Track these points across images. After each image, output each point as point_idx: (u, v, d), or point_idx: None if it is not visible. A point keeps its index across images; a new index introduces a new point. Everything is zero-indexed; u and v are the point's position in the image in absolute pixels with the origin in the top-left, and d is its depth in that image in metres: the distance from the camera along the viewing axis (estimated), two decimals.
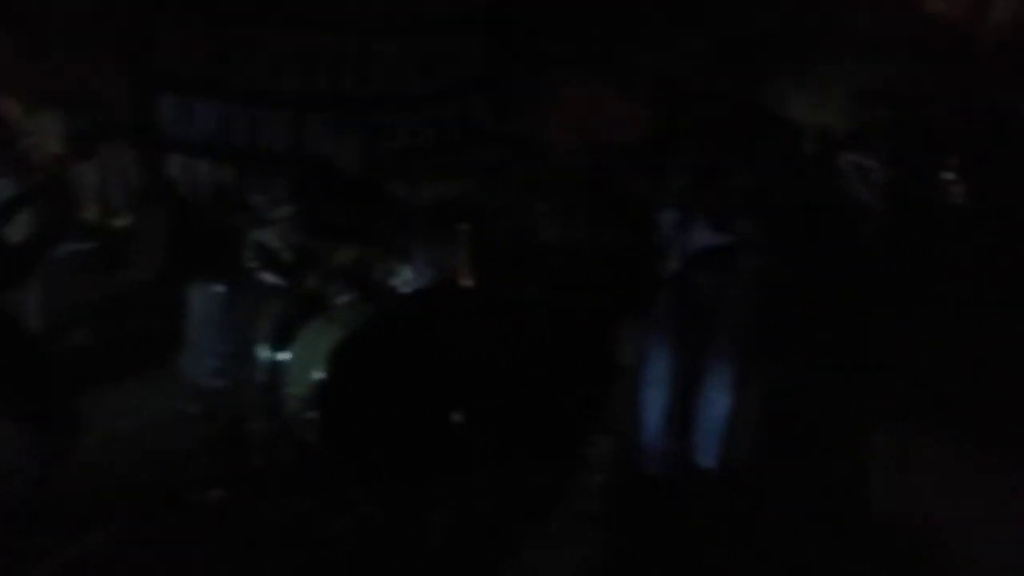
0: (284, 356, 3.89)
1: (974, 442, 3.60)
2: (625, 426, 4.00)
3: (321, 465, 3.76)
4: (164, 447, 4.03)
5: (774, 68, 4.96)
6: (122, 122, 5.47)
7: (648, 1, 5.89)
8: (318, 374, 3.70)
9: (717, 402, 3.71)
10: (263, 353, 3.89)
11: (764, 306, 3.56)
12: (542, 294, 4.40)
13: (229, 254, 4.52)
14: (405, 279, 4.16)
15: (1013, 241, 4.18)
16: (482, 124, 6.40)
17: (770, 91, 4.55)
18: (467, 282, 4.07)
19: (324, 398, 3.69)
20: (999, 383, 3.73)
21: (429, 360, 3.90)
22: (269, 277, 4.11)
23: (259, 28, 5.81)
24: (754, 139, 3.57)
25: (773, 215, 3.43)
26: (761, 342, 3.60)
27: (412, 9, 6.20)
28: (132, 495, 3.64)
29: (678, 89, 4.63)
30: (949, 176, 4.18)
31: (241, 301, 4.04)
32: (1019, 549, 3.15)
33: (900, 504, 3.40)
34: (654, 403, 3.85)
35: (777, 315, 3.56)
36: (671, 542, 3.48)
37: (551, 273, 4.59)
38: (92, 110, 5.57)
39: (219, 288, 4.12)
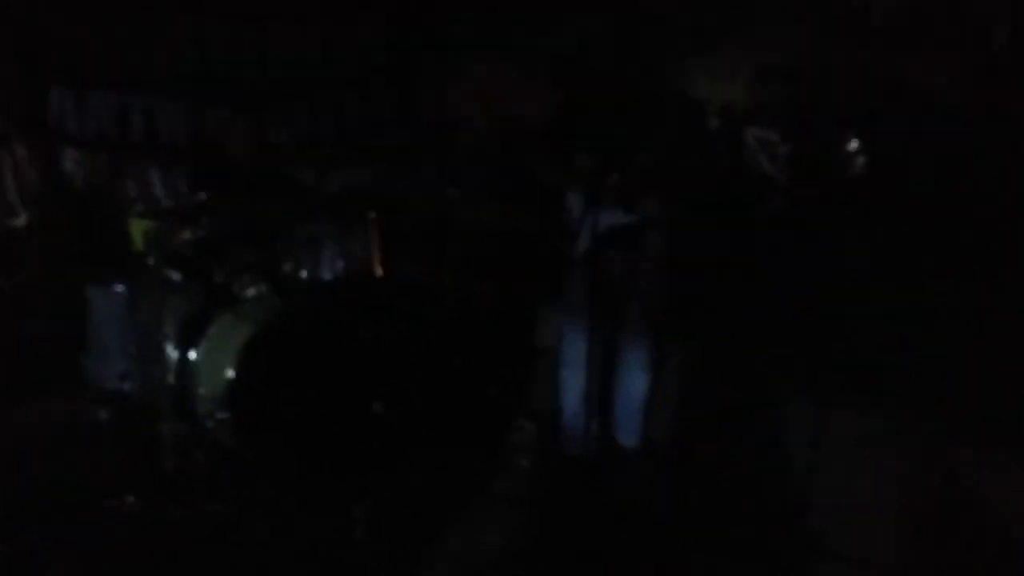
0: (193, 355, 3.78)
1: (888, 414, 3.72)
2: (546, 409, 4.02)
3: (237, 466, 3.68)
4: (73, 454, 3.90)
5: (673, 45, 5.00)
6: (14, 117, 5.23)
7: None
8: (229, 372, 3.61)
9: (635, 381, 3.75)
10: (171, 353, 3.77)
11: (674, 284, 3.60)
12: (456, 280, 4.37)
13: (129, 250, 4.39)
14: (315, 270, 4.07)
15: (914, 210, 4.32)
16: (386, 109, 6.30)
17: (670, 67, 4.58)
18: (379, 271, 4.01)
19: (236, 397, 3.61)
20: (910, 353, 3.86)
21: (344, 352, 3.83)
22: (173, 273, 3.97)
23: (154, 15, 5.59)
24: (657, 117, 3.59)
25: (679, 192, 3.46)
26: (674, 320, 3.64)
27: None
28: (44, 503, 3.52)
29: (579, 69, 4.62)
30: (851, 148, 4.27)
31: (144, 299, 3.90)
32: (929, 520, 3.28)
33: (815, 478, 3.48)
34: (572, 384, 3.87)
35: (688, 292, 3.60)
36: (594, 522, 3.51)
37: (464, 258, 4.55)
38: None
39: (120, 287, 3.98)
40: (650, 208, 3.52)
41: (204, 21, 5.70)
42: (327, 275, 4.03)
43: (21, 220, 5.27)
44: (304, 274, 4.05)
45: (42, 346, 4.59)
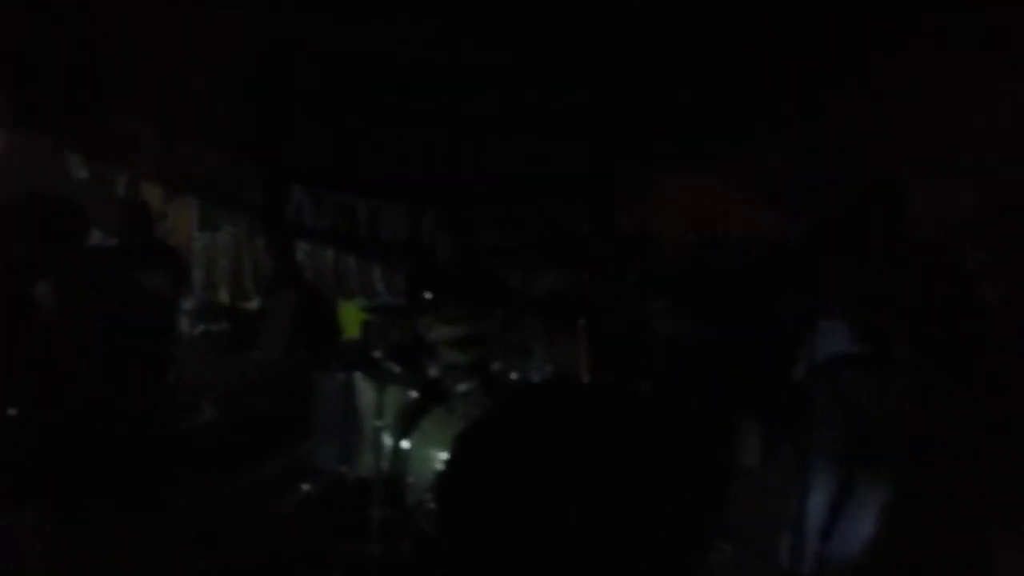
0: (406, 445, 3.97)
1: None
2: (745, 531, 3.92)
3: (439, 556, 3.79)
4: (285, 529, 4.12)
5: (893, 164, 4.93)
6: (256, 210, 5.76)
7: (757, 95, 5.93)
8: (439, 465, 3.75)
9: (856, 518, 3.56)
10: (386, 441, 3.96)
11: (916, 421, 3.43)
12: (660, 390, 4.39)
13: (350, 340, 4.68)
14: (524, 372, 4.20)
15: None
16: (593, 218, 6.51)
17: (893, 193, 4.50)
18: (586, 377, 4.09)
19: (444, 489, 3.74)
20: None
21: (546, 454, 3.91)
22: (393, 366, 4.21)
23: (381, 124, 6.09)
24: (890, 245, 3.52)
25: (913, 323, 3.35)
26: (909, 460, 3.47)
27: (524, 106, 6.41)
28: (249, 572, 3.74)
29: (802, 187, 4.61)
30: None
31: (366, 388, 4.14)
32: None
33: None
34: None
35: (927, 431, 3.43)
36: None
37: (667, 369, 4.57)
38: (226, 199, 5.94)
39: (344, 374, 4.24)
40: (882, 337, 3.41)
41: (427, 131, 6.17)
42: (536, 377, 4.14)
43: (254, 304, 5.76)
44: (514, 375, 4.18)
45: (263, 421, 4.97)
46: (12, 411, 2.94)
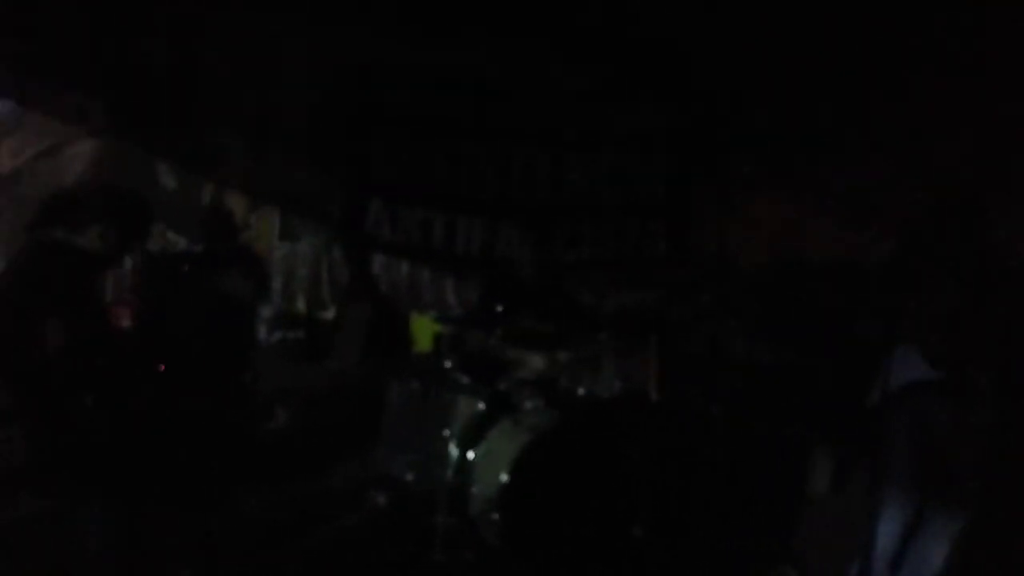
0: (473, 455, 4.00)
1: None
2: (812, 557, 3.84)
3: (502, 567, 3.80)
4: (353, 536, 4.18)
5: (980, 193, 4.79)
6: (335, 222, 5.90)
7: (836, 116, 5.84)
8: (504, 476, 3.77)
9: (923, 552, 3.46)
10: (453, 451, 4.00)
11: (991, 452, 3.32)
12: (730, 412, 4.34)
13: (423, 351, 4.73)
14: (592, 387, 4.20)
15: None
16: (670, 238, 6.49)
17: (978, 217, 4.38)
18: (655, 394, 4.07)
19: (508, 500, 3.75)
20: None
21: (612, 470, 3.91)
22: (463, 377, 4.25)
23: (461, 140, 6.18)
24: (969, 267, 3.42)
25: (991, 350, 3.25)
26: (982, 492, 3.35)
27: (604, 125, 6.44)
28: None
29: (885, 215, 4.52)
30: None
31: (436, 398, 4.19)
32: None
33: None
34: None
35: (1002, 463, 3.31)
36: None
37: (740, 391, 4.52)
38: (307, 210, 6.09)
39: (416, 384, 4.29)
40: (964, 370, 3.29)
41: (505, 147, 6.24)
42: (604, 393, 4.14)
43: (330, 313, 5.88)
44: (582, 390, 4.18)
45: (336, 429, 5.05)
46: (88, 400, 3.04)
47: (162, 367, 3.58)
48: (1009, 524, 3.49)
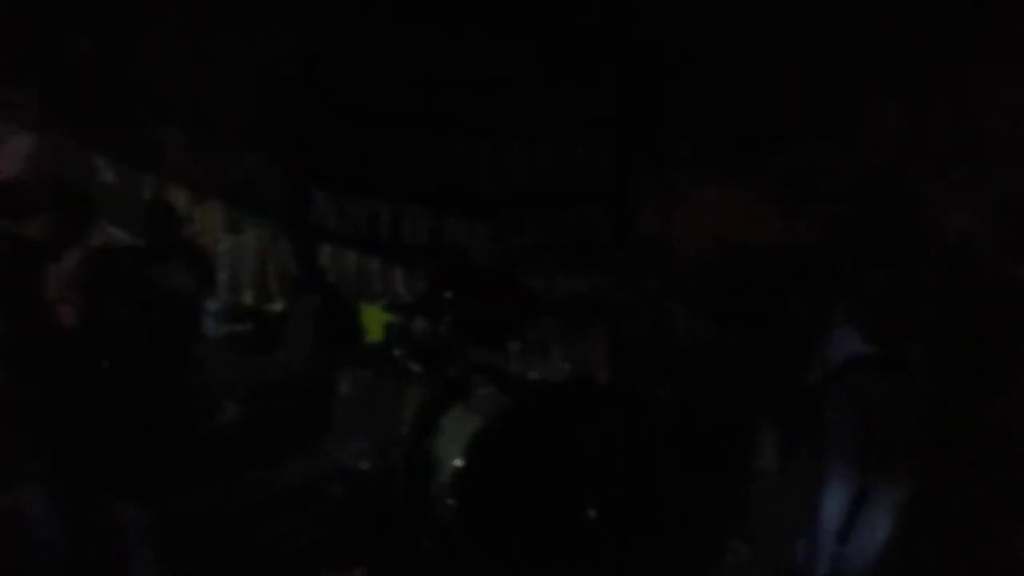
0: (426, 443, 4.02)
1: None
2: (762, 533, 3.94)
3: (459, 552, 3.83)
4: (306, 524, 4.18)
5: (909, 172, 4.93)
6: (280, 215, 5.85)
7: (775, 101, 5.96)
8: (457, 462, 3.80)
9: (876, 522, 3.58)
10: (406, 439, 4.02)
11: (929, 422, 3.44)
12: (677, 394, 4.42)
13: (372, 341, 4.74)
14: (542, 372, 4.25)
15: None
16: (614, 224, 6.57)
17: (907, 195, 4.52)
18: (604, 377, 4.13)
19: (462, 486, 3.78)
20: None
21: (564, 455, 3.95)
22: (414, 365, 4.27)
23: (404, 130, 6.17)
24: (906, 251, 3.53)
25: (926, 324, 3.37)
26: (924, 462, 3.47)
27: (546, 112, 6.49)
28: (274, 569, 3.80)
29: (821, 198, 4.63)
30: None
31: (387, 388, 4.20)
32: None
33: None
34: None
35: (941, 432, 3.43)
36: None
37: (686, 373, 4.60)
38: (251, 202, 6.03)
39: (367, 373, 4.30)
40: (896, 341, 3.41)
41: (449, 136, 6.25)
42: (554, 377, 4.19)
43: (278, 305, 5.84)
44: (532, 375, 4.23)
45: (286, 421, 5.03)
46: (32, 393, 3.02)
47: (104, 364, 3.56)
48: (951, 493, 3.62)
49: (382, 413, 4.16)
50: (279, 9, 5.62)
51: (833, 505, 3.59)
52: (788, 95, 5.84)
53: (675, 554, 3.91)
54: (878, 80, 5.52)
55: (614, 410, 4.04)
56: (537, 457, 3.90)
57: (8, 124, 5.43)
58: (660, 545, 3.93)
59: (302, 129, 6.02)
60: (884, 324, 3.42)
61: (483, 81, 6.28)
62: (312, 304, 5.43)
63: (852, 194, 4.49)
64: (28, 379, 3.05)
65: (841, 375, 3.49)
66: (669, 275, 5.53)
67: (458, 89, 6.25)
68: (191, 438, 4.33)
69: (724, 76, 5.96)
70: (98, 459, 3.25)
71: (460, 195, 6.27)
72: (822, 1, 5.31)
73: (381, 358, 4.42)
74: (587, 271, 6.16)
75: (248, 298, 5.74)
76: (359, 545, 3.93)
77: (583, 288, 5.80)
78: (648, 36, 6.20)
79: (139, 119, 5.70)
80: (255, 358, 5.37)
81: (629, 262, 6.02)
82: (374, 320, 5.52)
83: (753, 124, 6.05)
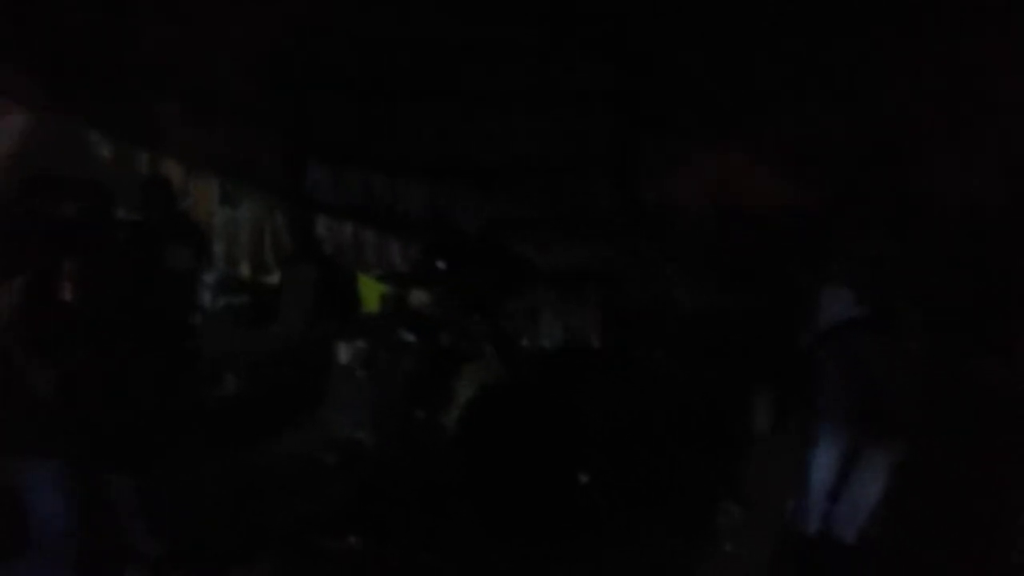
0: (421, 412, 4.04)
1: None
2: (755, 493, 3.95)
3: (454, 518, 3.86)
4: (302, 494, 4.21)
5: (917, 141, 4.89)
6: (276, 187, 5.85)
7: (777, 67, 5.90)
8: (452, 430, 3.83)
9: (866, 479, 3.59)
10: (401, 407, 4.05)
11: (921, 383, 3.44)
12: (673, 358, 4.42)
13: (367, 311, 4.75)
14: (537, 340, 4.26)
15: None
16: (616, 191, 6.53)
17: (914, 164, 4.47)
18: (597, 344, 4.14)
19: (457, 453, 3.81)
20: None
21: (557, 420, 3.97)
22: (409, 335, 4.28)
23: (398, 100, 6.14)
24: (908, 215, 3.52)
25: (918, 286, 3.36)
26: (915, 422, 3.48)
27: (546, 80, 6.43)
28: (271, 539, 3.83)
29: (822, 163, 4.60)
30: None
31: (381, 356, 4.22)
32: None
33: None
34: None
35: (932, 393, 3.43)
36: None
37: (682, 337, 4.60)
38: (246, 175, 6.03)
39: (363, 344, 4.32)
40: (892, 304, 3.40)
41: (446, 106, 6.21)
42: (547, 343, 4.20)
43: (275, 277, 5.85)
44: (526, 342, 4.24)
45: (284, 392, 5.05)
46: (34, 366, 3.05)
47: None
48: (941, 453, 3.63)
49: (378, 383, 4.17)
50: None
51: (825, 466, 3.60)
52: (788, 60, 5.77)
53: (668, 513, 3.93)
54: (880, 44, 5.45)
55: (607, 374, 4.06)
56: (532, 423, 3.93)
57: (4, 100, 5.43)
58: (653, 505, 3.96)
59: (297, 101, 5.99)
60: (881, 286, 3.42)
61: (480, 50, 6.22)
62: (309, 275, 5.42)
63: (853, 160, 4.45)
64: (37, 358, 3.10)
65: (833, 337, 3.49)
66: (667, 242, 5.52)
67: (455, 59, 6.20)
68: (189, 410, 4.35)
69: (729, 41, 5.89)
70: (97, 433, 3.28)
71: (455, 165, 6.24)
72: None
73: (377, 328, 4.42)
74: (586, 240, 6.14)
75: (245, 270, 5.76)
76: (355, 514, 3.95)
77: (582, 256, 5.78)
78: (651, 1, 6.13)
79: (135, 93, 5.69)
80: (252, 330, 5.39)
81: (628, 230, 6.01)
82: (371, 291, 5.53)
83: (753, 90, 5.99)
